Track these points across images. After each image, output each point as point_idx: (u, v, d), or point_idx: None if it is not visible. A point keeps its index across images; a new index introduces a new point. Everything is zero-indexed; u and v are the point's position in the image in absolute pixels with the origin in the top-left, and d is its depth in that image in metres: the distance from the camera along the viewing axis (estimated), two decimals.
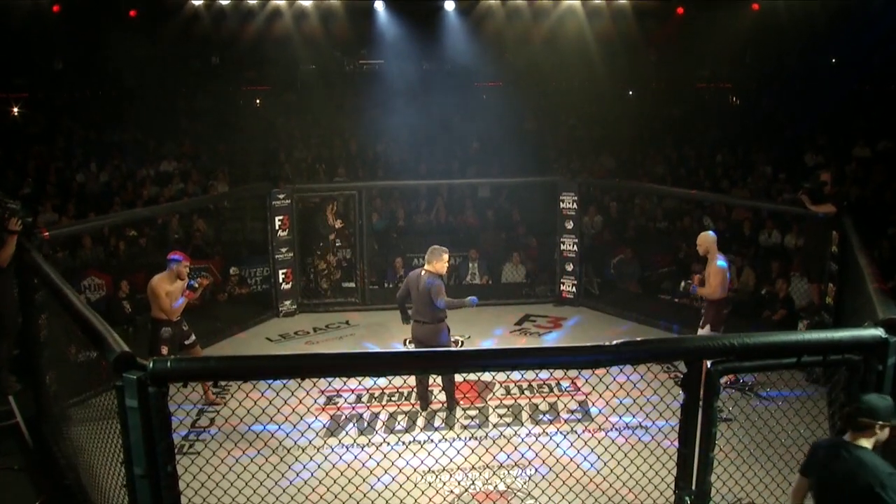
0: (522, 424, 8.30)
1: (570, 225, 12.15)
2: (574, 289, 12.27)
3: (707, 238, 8.88)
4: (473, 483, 7.15)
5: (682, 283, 9.09)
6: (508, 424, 8.26)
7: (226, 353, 10.59)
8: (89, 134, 17.62)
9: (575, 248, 12.18)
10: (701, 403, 3.68)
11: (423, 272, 8.50)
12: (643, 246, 13.77)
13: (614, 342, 3.53)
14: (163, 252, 13.55)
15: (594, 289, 12.63)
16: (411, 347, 10.49)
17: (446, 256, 8.58)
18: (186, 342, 8.78)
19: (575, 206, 12.08)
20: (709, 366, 3.68)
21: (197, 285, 8.65)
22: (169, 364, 3.46)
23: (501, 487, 7.13)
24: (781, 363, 3.90)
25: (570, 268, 12.25)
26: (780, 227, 13.44)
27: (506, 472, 7.29)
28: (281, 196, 11.65)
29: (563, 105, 19.43)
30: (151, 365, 3.38)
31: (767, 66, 19.76)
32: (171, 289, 8.46)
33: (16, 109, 18.62)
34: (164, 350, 8.43)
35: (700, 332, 8.93)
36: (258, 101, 20.20)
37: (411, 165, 16.58)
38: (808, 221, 10.38)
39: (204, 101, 19.34)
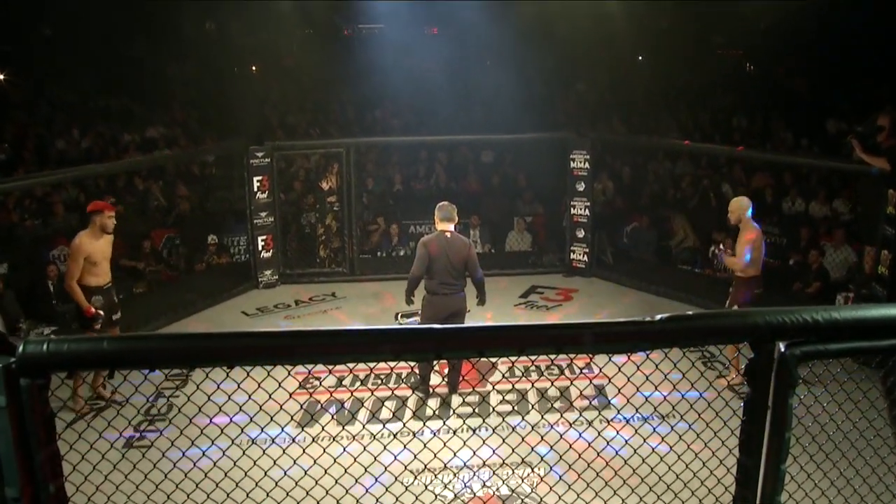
0: (521, 417, 6.59)
1: (581, 187, 10.41)
2: (586, 258, 10.53)
3: (740, 204, 7.32)
4: (469, 485, 5.68)
5: (711, 250, 7.47)
6: (513, 413, 6.59)
7: (193, 327, 8.99)
8: (74, 100, 15.89)
9: (587, 212, 10.44)
10: (770, 400, 2.46)
11: (448, 234, 6.94)
12: (658, 213, 11.97)
13: (657, 317, 2.25)
14: (143, 220, 12.07)
15: (608, 258, 10.84)
16: (410, 323, 8.85)
17: None
18: (114, 317, 7.11)
19: (587, 165, 10.34)
20: (782, 349, 2.45)
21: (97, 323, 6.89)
22: (47, 347, 2.08)
23: (504, 491, 5.61)
24: (878, 346, 2.56)
25: (581, 234, 10.51)
26: (803, 195, 11.69)
27: (509, 473, 5.80)
28: (260, 154, 9.93)
29: (572, 69, 17.66)
30: (22, 348, 2.07)
31: (784, 31, 17.91)
32: (97, 246, 6.81)
33: (1, 76, 16.96)
34: (97, 323, 6.81)
35: None
36: (254, 67, 18.50)
37: (412, 130, 14.91)
38: (861, 179, 8.59)
39: (197, 68, 17.60)
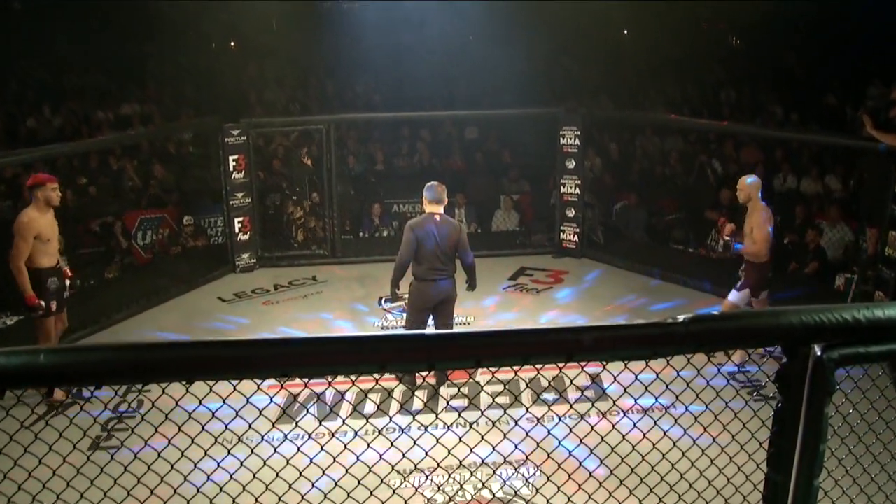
0: (526, 409, 6.10)
1: (571, 164, 9.83)
2: (576, 238, 9.96)
3: (748, 183, 6.77)
4: (462, 487, 5.22)
5: (722, 241, 6.94)
6: (515, 405, 6.06)
7: (169, 316, 8.36)
8: (45, 77, 15.10)
9: (577, 190, 9.85)
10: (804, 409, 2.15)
11: (437, 217, 6.36)
12: (647, 190, 11.42)
13: (681, 318, 1.92)
14: (117, 202, 11.40)
15: (598, 237, 10.29)
16: (394, 309, 8.32)
17: None
18: (65, 295, 6.56)
19: (577, 142, 9.75)
20: (818, 353, 2.13)
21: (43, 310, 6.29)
22: None
23: (500, 494, 5.14)
24: None
25: (571, 214, 9.93)
26: (795, 172, 11.20)
27: (505, 472, 5.28)
28: (235, 132, 9.26)
29: (557, 44, 17.00)
30: None
31: (771, 4, 17.32)
32: (46, 221, 6.21)
33: None
34: (53, 306, 6.25)
35: (733, 295, 6.78)
36: (232, 43, 17.71)
37: (393, 107, 14.27)
38: (868, 156, 8.09)
39: (173, 44, 16.80)
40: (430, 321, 6.65)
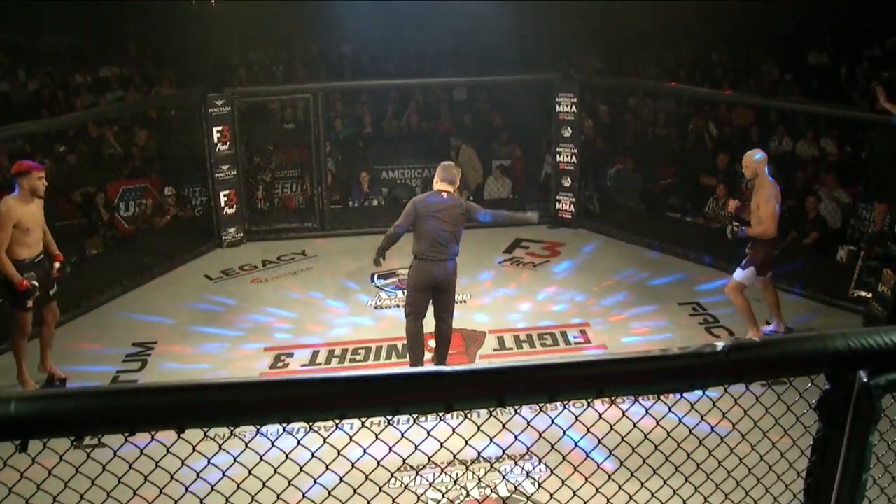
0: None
1: (567, 132, 9.37)
2: (572, 208, 9.53)
3: (755, 159, 6.36)
4: (462, 484, 4.85)
5: (729, 229, 6.58)
6: None
7: (155, 297, 7.93)
8: (19, 41, 14.30)
9: (574, 159, 9.41)
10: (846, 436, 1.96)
11: (444, 194, 5.87)
12: (642, 155, 10.96)
13: (720, 346, 1.72)
14: (96, 171, 10.80)
15: (595, 206, 9.86)
16: (387, 286, 7.93)
17: None
18: (51, 292, 6.12)
19: (574, 109, 9.28)
20: (864, 379, 1.95)
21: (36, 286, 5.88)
22: None
23: (503, 493, 4.77)
24: None
25: (567, 183, 9.49)
26: (791, 134, 10.78)
27: (511, 468, 4.98)
28: (219, 102, 8.72)
29: (546, 5, 16.33)
30: None
31: None
32: (28, 210, 5.76)
33: None
34: (30, 302, 5.82)
35: (739, 274, 6.43)
36: (213, 0, 16.90)
37: (380, 66, 13.68)
38: (879, 129, 7.68)
39: (152, 3, 16.00)
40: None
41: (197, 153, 10.33)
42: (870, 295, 7.02)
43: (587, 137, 11.06)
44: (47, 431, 1.47)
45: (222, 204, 8.95)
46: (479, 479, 4.81)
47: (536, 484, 4.83)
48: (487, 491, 4.75)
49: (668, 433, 2.22)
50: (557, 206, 9.60)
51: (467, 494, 4.76)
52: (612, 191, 10.58)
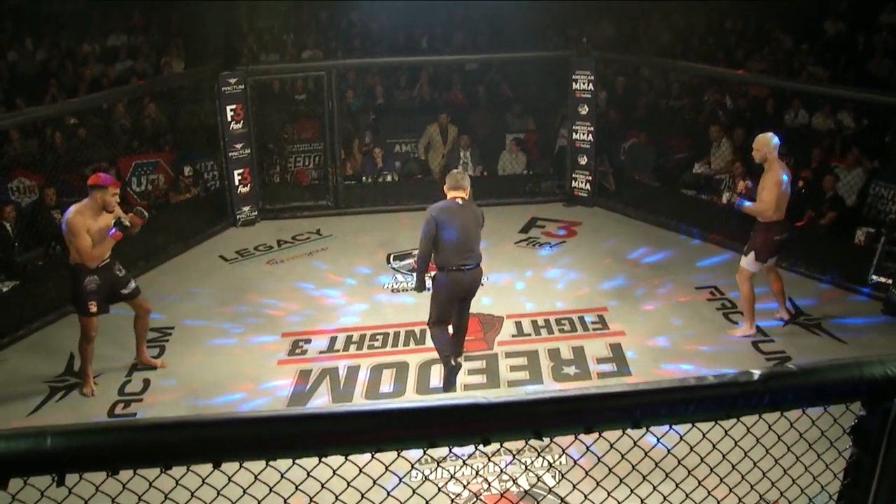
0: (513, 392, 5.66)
1: (584, 110, 9.16)
2: (588, 186, 9.36)
3: (767, 142, 6.15)
4: (483, 475, 4.82)
5: (726, 196, 6.42)
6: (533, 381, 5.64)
7: (169, 279, 7.84)
8: (21, 4, 13.99)
9: (590, 137, 9.21)
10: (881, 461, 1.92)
11: (460, 200, 5.62)
12: (656, 127, 10.74)
13: (756, 374, 1.71)
14: (106, 144, 10.63)
15: (610, 184, 9.68)
16: (403, 267, 7.83)
17: None
18: (124, 291, 6.00)
19: (591, 87, 9.07)
20: None
21: (128, 224, 5.77)
22: None
23: (524, 485, 4.73)
24: None
25: (583, 161, 9.31)
26: (807, 107, 10.55)
27: (532, 459, 4.94)
28: (232, 81, 8.52)
29: None
30: None
31: None
32: (95, 225, 5.65)
33: None
34: (93, 307, 5.74)
35: (744, 261, 6.33)
36: None
37: (389, 34, 13.38)
38: None
39: None
40: None
41: (207, 123, 10.15)
42: (889, 281, 6.90)
43: (601, 109, 10.87)
44: (83, 466, 1.48)
45: (236, 183, 8.80)
46: (501, 471, 4.76)
47: (558, 476, 4.79)
48: (509, 483, 4.71)
49: (692, 448, 2.10)
50: (573, 184, 9.43)
51: (489, 486, 4.72)
52: (625, 164, 10.41)
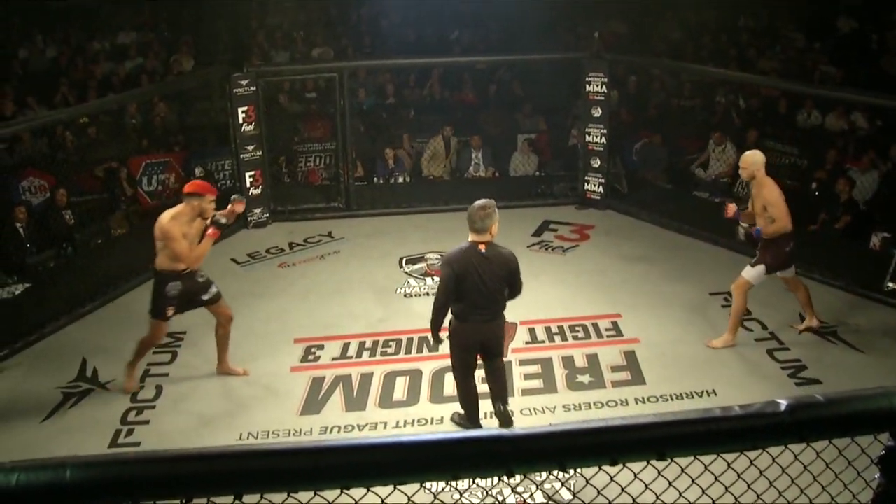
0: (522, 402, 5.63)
1: (597, 112, 9.08)
2: (601, 189, 9.28)
3: (754, 159, 6.08)
4: (498, 492, 4.69)
5: (741, 230, 6.35)
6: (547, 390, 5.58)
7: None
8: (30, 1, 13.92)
9: (604, 140, 9.13)
10: None
11: (482, 247, 4.94)
12: (668, 127, 10.63)
13: (783, 405, 1.69)
14: (117, 142, 10.59)
15: (622, 186, 9.59)
16: (415, 271, 7.77)
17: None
18: (204, 297, 5.97)
19: (604, 89, 8.98)
20: None
21: (225, 221, 5.78)
22: None
23: (539, 500, 4.69)
24: None
25: (596, 164, 9.23)
26: (820, 107, 10.44)
27: (548, 475, 4.74)
28: (244, 82, 8.45)
29: None
30: None
31: None
32: (190, 231, 5.65)
33: None
34: (170, 312, 5.75)
35: (747, 271, 6.23)
36: None
37: (398, 30, 13.28)
38: None
39: None
40: None
41: (218, 121, 10.07)
42: None
43: (612, 108, 10.75)
44: (103, 498, 1.47)
45: (248, 185, 8.74)
46: (514, 488, 4.71)
47: (573, 491, 4.74)
48: (525, 497, 4.66)
49: (717, 477, 2.03)
50: (586, 186, 9.35)
51: (502, 502, 4.68)
52: (637, 165, 10.32)
